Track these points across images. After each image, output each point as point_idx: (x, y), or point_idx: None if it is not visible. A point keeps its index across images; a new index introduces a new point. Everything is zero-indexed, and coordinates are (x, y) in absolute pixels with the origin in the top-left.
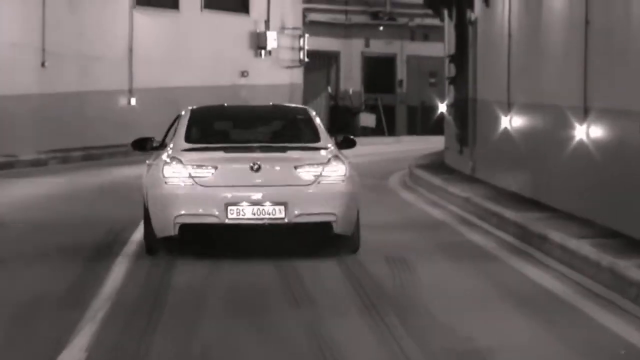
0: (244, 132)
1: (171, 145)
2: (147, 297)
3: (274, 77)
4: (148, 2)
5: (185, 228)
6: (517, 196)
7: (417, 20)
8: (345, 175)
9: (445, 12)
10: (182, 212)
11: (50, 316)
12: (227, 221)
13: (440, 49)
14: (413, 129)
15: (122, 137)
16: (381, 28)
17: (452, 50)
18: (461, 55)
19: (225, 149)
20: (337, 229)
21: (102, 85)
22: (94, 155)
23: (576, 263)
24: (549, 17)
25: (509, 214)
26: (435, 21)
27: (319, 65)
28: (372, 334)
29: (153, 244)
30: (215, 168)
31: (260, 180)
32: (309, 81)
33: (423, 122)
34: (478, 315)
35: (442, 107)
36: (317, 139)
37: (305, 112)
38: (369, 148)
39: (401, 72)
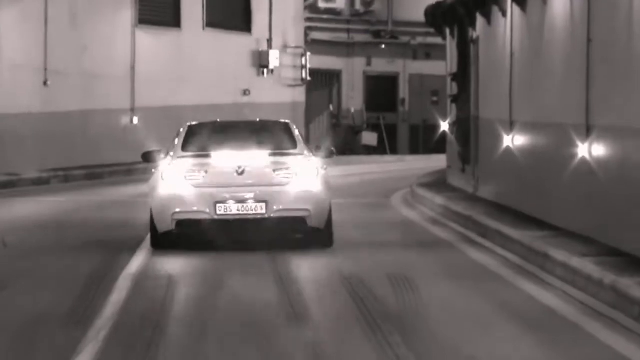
0: (233, 142)
1: (171, 154)
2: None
3: (276, 95)
4: (150, 21)
5: (181, 223)
6: (520, 214)
7: (419, 39)
8: (317, 177)
9: (448, 31)
10: (178, 209)
11: (52, 335)
12: (216, 217)
13: (443, 67)
14: (415, 148)
15: (125, 156)
16: (383, 47)
17: (454, 69)
18: (463, 74)
19: (215, 156)
20: (311, 222)
21: (104, 104)
22: (96, 174)
23: (579, 281)
24: (551, 36)
25: (512, 232)
26: (438, 40)
27: (321, 83)
28: (375, 353)
29: (157, 240)
30: (206, 172)
31: (244, 182)
32: (311, 100)
33: (425, 140)
34: (481, 334)
35: (445, 126)
36: (294, 147)
37: (286, 125)
38: (371, 167)
39: (403, 91)
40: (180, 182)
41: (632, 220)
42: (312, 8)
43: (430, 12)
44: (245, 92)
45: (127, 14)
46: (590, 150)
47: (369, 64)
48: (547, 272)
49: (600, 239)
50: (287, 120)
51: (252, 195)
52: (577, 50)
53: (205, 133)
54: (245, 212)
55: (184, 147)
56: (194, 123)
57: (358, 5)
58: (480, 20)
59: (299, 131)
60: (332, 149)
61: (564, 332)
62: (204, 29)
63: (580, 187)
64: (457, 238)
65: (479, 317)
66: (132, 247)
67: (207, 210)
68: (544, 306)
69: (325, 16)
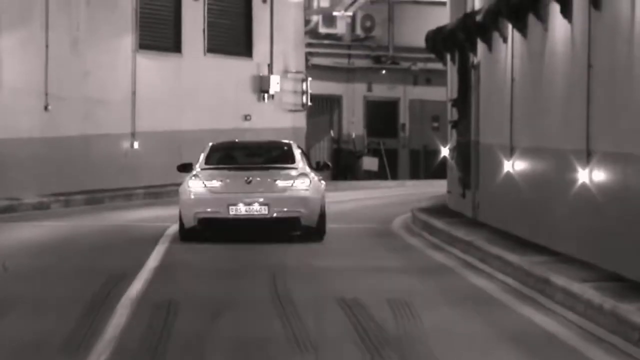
0: (245, 158)
1: (196, 167)
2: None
3: (277, 120)
4: (151, 46)
5: (202, 221)
6: (520, 239)
7: (420, 65)
8: (309, 186)
9: (448, 56)
10: (199, 209)
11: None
12: (229, 216)
13: (443, 93)
14: (416, 173)
15: (125, 181)
16: (384, 72)
17: (455, 94)
18: (464, 99)
19: (229, 169)
20: (303, 221)
21: (105, 129)
22: (96, 199)
23: (579, 307)
24: (552, 61)
25: (512, 257)
26: (438, 65)
27: (321, 109)
28: None
29: (185, 234)
30: (222, 181)
31: (251, 189)
32: (311, 125)
33: (426, 165)
34: (481, 359)
35: (445, 151)
36: (293, 162)
37: (289, 145)
38: (372, 192)
39: (404, 116)
40: (201, 188)
41: (632, 246)
42: (312, 33)
43: (431, 37)
44: (246, 117)
45: (128, 39)
46: (591, 176)
47: (369, 89)
48: (547, 297)
49: (600, 264)
50: (290, 141)
51: (257, 199)
52: (578, 76)
53: (223, 150)
54: (251, 213)
55: (207, 161)
56: (216, 142)
57: (359, 31)
58: (480, 46)
59: (302, 149)
60: (328, 163)
61: (563, 357)
62: (204, 54)
63: (581, 213)
64: (458, 263)
65: (479, 342)
66: (132, 272)
67: (222, 211)
68: (544, 331)
69: (325, 41)
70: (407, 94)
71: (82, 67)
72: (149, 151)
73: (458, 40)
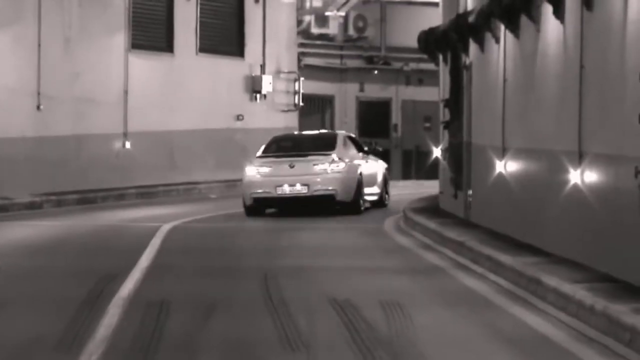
0: (293, 147)
1: (255, 156)
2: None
3: (269, 121)
4: (143, 46)
5: (256, 199)
6: (512, 240)
7: (412, 65)
8: (343, 168)
9: (440, 57)
10: (254, 190)
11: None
12: (276, 195)
13: (435, 93)
14: (408, 173)
15: (117, 181)
16: (376, 72)
17: (447, 95)
18: (456, 100)
19: (277, 156)
20: (338, 197)
21: (97, 129)
22: (88, 199)
23: (571, 308)
24: (544, 62)
25: (504, 258)
26: (430, 66)
27: (314, 109)
28: None
29: (246, 210)
30: (271, 167)
31: (294, 173)
32: (304, 125)
33: (418, 166)
34: None
35: (437, 152)
36: (332, 149)
37: (334, 135)
38: None
39: (396, 117)
40: (255, 173)
41: (624, 247)
42: (305, 34)
43: (423, 38)
44: (239, 117)
45: (120, 39)
46: (583, 176)
47: (361, 89)
48: (539, 298)
49: (592, 265)
50: (337, 132)
51: (298, 181)
52: (570, 76)
53: (279, 141)
54: (294, 192)
55: (264, 151)
56: (276, 135)
57: (351, 31)
58: (473, 47)
59: (351, 138)
60: (378, 148)
61: (555, 358)
62: (197, 54)
63: (573, 213)
64: (450, 264)
65: (471, 343)
66: (124, 272)
67: (271, 191)
68: (536, 332)
69: (318, 42)
70: (399, 94)
71: (74, 67)
72: (141, 151)
73: (450, 40)
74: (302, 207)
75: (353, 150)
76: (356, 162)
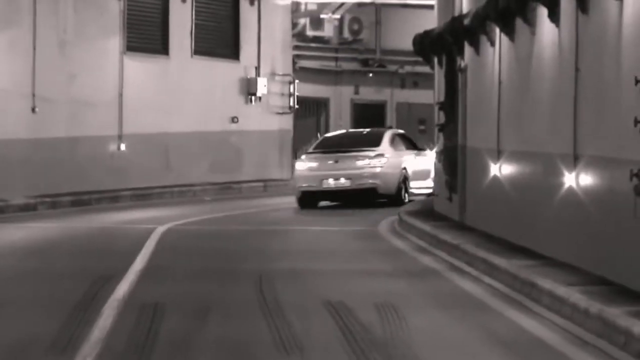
0: (340, 144)
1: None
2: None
3: (264, 123)
4: (138, 48)
5: (304, 193)
6: (507, 243)
7: (407, 68)
8: (384, 164)
9: (435, 60)
10: (302, 184)
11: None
12: (321, 188)
13: (430, 96)
14: None
15: (112, 183)
16: (371, 75)
17: (442, 98)
18: (451, 103)
19: (324, 152)
20: (380, 190)
21: (92, 131)
22: (82, 201)
23: (566, 310)
24: (539, 65)
25: (499, 261)
26: (425, 68)
27: (309, 111)
28: None
29: (298, 202)
30: (317, 162)
31: (338, 167)
32: (299, 127)
33: None
34: None
35: (432, 154)
36: (377, 145)
37: (381, 132)
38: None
39: (391, 119)
40: (304, 169)
41: (618, 250)
42: (300, 36)
43: (419, 40)
44: (233, 120)
45: (115, 41)
46: (578, 179)
47: (356, 92)
48: (534, 301)
49: (587, 268)
50: (386, 129)
51: (342, 175)
52: (565, 79)
53: (328, 139)
54: (338, 185)
55: (314, 148)
56: (327, 134)
57: (346, 34)
58: (468, 50)
59: (400, 135)
60: (424, 147)
61: None
62: (192, 56)
63: (568, 216)
64: (445, 266)
65: (466, 345)
66: (118, 274)
67: (317, 184)
68: (531, 335)
69: (313, 44)
70: (394, 96)
71: (69, 69)
72: (136, 153)
73: (445, 43)
74: (346, 199)
75: (402, 147)
76: (401, 157)
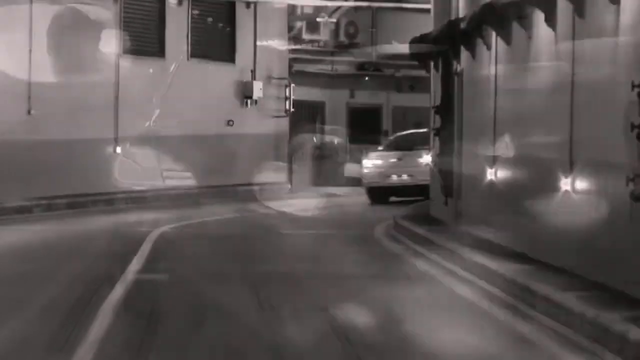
0: (406, 142)
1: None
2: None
3: (260, 126)
4: (135, 51)
5: (370, 188)
6: (503, 248)
7: (403, 72)
8: None
9: (432, 64)
10: (368, 180)
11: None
12: (385, 184)
13: (426, 100)
14: None
15: (108, 186)
16: (367, 79)
17: (438, 102)
18: (447, 107)
19: (389, 150)
20: None
21: (87, 133)
22: (79, 203)
23: (561, 315)
24: (536, 69)
25: (494, 265)
26: (421, 72)
27: (304, 115)
28: None
29: (368, 197)
30: (382, 160)
31: (400, 165)
32: (294, 131)
33: None
34: None
35: (427, 158)
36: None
37: None
38: (354, 199)
39: (387, 123)
40: (370, 166)
41: (615, 255)
42: (296, 39)
43: (415, 44)
44: (229, 123)
45: (112, 44)
46: (574, 184)
47: (352, 95)
48: (530, 305)
49: (583, 274)
50: None
51: (404, 172)
52: (562, 84)
53: (395, 138)
54: (400, 181)
55: (383, 147)
56: (398, 134)
57: (342, 37)
58: (464, 54)
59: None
60: None
61: None
62: (188, 59)
63: (564, 221)
64: (440, 271)
65: (463, 350)
66: (113, 277)
67: (381, 181)
68: (526, 339)
69: (309, 48)
70: (390, 100)
71: (65, 71)
72: (132, 156)
73: (442, 47)
74: (409, 194)
75: None
76: None
